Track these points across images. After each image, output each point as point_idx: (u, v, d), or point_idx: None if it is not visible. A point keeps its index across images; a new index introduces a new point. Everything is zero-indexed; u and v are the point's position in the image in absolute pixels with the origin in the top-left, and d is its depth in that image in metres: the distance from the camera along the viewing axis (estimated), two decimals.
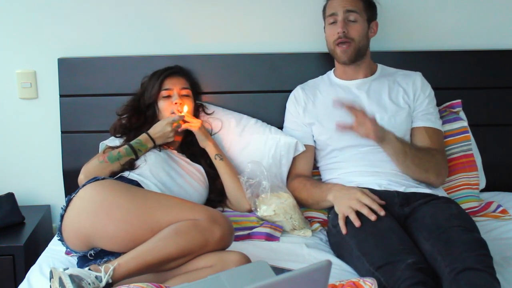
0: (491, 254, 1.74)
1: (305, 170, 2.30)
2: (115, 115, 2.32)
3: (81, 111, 2.47)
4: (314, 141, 2.32)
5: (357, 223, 1.91)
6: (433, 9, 2.57)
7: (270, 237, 2.08)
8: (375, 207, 1.93)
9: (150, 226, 1.75)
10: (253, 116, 2.44)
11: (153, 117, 2.28)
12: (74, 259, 1.94)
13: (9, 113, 2.54)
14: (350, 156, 2.17)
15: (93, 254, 1.82)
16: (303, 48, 2.53)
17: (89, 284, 1.62)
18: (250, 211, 2.21)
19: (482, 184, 2.42)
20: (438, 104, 2.36)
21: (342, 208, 1.98)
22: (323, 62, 2.47)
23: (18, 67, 2.51)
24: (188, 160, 2.25)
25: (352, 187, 2.06)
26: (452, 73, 2.53)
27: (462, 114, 2.45)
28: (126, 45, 2.52)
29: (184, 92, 2.29)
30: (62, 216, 1.85)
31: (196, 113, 2.37)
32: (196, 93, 2.42)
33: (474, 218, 2.08)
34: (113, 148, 2.17)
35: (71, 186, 2.23)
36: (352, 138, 2.07)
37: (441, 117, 2.36)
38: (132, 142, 2.14)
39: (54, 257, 1.98)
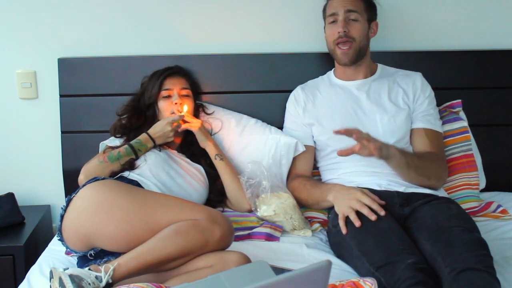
0: (491, 254, 1.74)
1: (305, 171, 2.30)
2: (115, 115, 2.32)
3: (81, 111, 2.47)
4: (314, 141, 2.32)
5: (357, 223, 1.91)
6: (433, 9, 2.57)
7: (270, 237, 2.08)
8: (375, 207, 1.93)
9: (150, 226, 1.75)
10: (253, 116, 2.44)
11: (153, 117, 2.28)
12: (74, 259, 1.94)
13: (9, 113, 2.54)
14: (350, 157, 2.16)
15: (93, 254, 1.82)
16: (303, 48, 2.53)
17: (89, 284, 1.62)
18: (250, 211, 2.21)
19: (482, 184, 2.42)
20: (438, 104, 2.35)
21: (342, 208, 1.98)
22: (323, 62, 2.47)
23: (18, 67, 2.51)
24: (188, 160, 2.25)
25: (352, 187, 2.06)
26: (452, 73, 2.53)
27: (462, 114, 2.45)
28: (126, 45, 2.52)
29: (184, 92, 2.29)
30: (62, 216, 1.85)
31: (196, 113, 2.37)
32: (196, 93, 2.42)
33: (474, 218, 2.08)
34: (113, 148, 2.17)
35: (71, 186, 2.23)
36: (350, 138, 2.06)
37: (441, 117, 2.36)
38: (132, 142, 2.14)
39: (54, 257, 1.99)
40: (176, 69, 2.37)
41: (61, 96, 2.47)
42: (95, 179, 1.88)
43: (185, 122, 2.23)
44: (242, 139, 2.35)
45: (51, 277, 1.65)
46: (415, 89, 2.27)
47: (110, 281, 1.67)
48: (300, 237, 2.11)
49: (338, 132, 1.92)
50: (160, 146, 2.20)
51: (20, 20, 2.48)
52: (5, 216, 2.33)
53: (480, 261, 1.68)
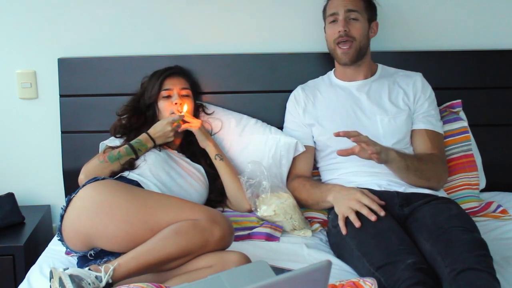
0: (491, 254, 1.74)
1: (305, 171, 2.30)
2: (115, 115, 2.32)
3: (81, 111, 2.47)
4: (314, 141, 2.32)
5: (357, 223, 1.91)
6: (433, 9, 2.57)
7: (270, 237, 2.08)
8: (375, 207, 1.93)
9: (150, 226, 1.75)
10: (253, 116, 2.44)
11: (153, 117, 2.28)
12: (74, 259, 1.94)
13: (9, 113, 2.54)
14: (350, 157, 2.16)
15: (93, 254, 1.82)
16: (303, 48, 2.53)
17: (89, 284, 1.62)
18: (250, 211, 2.21)
19: (482, 184, 2.42)
20: (438, 104, 2.35)
21: (342, 209, 1.98)
22: (323, 62, 2.47)
23: (18, 67, 2.51)
24: (188, 160, 2.25)
25: (352, 187, 2.06)
26: (452, 73, 2.53)
27: (462, 114, 2.45)
28: (126, 45, 2.52)
29: (184, 92, 2.29)
30: (62, 216, 1.85)
31: (196, 113, 2.37)
32: (196, 93, 2.42)
33: (474, 218, 2.08)
34: (113, 148, 2.17)
35: (71, 186, 2.23)
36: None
37: (441, 117, 2.36)
38: (132, 142, 2.15)
39: (54, 257, 1.99)
40: (176, 69, 2.37)
41: (61, 96, 2.47)
42: (95, 179, 1.88)
43: (185, 122, 2.23)
44: (242, 139, 2.35)
45: (51, 277, 1.65)
46: (415, 90, 2.27)
47: (110, 281, 1.67)
48: (300, 237, 2.11)
49: (337, 135, 1.92)
50: (160, 146, 2.20)
51: (20, 20, 2.48)
52: (5, 216, 2.33)
53: (480, 261, 1.68)
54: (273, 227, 2.12)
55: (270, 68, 2.51)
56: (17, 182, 2.56)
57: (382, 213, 1.92)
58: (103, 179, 1.90)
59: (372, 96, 2.27)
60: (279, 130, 2.36)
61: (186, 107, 2.25)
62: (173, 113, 2.23)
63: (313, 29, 2.48)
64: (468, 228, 1.84)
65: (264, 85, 2.52)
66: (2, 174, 2.55)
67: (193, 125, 2.24)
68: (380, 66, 2.37)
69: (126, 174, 2.07)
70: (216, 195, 2.25)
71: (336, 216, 2.01)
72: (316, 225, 2.19)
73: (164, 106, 2.26)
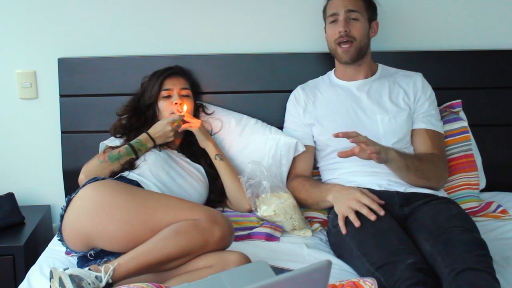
0: (491, 254, 1.74)
1: (305, 171, 2.30)
2: (115, 115, 2.32)
3: (81, 111, 2.47)
4: (314, 141, 2.32)
5: (356, 223, 1.91)
6: (433, 9, 2.57)
7: (270, 237, 2.08)
8: (375, 207, 1.93)
9: (150, 226, 1.75)
10: (253, 116, 2.44)
11: (153, 117, 2.28)
12: (74, 259, 1.94)
13: (9, 113, 2.54)
14: (350, 157, 2.17)
15: (93, 254, 1.82)
16: (303, 48, 2.53)
17: (89, 284, 1.62)
18: (250, 211, 2.21)
19: (482, 184, 2.42)
20: (438, 104, 2.35)
21: (342, 209, 1.98)
22: (323, 62, 2.47)
23: (18, 67, 2.51)
24: (188, 160, 2.25)
25: (352, 187, 2.06)
26: (452, 73, 2.53)
27: (462, 114, 2.45)
28: (126, 45, 2.52)
29: (184, 92, 2.29)
30: (62, 216, 1.85)
31: (196, 113, 2.37)
32: (196, 93, 2.42)
33: (474, 218, 2.08)
34: (113, 148, 2.17)
35: (71, 186, 2.24)
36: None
37: (441, 117, 2.36)
38: (132, 142, 2.15)
39: (54, 257, 1.99)
40: (176, 69, 2.37)
41: (61, 96, 2.47)
42: (95, 179, 1.88)
43: (184, 122, 2.23)
44: (242, 139, 2.35)
45: (51, 277, 1.65)
46: (415, 90, 2.27)
47: (110, 281, 1.67)
48: (300, 237, 2.11)
49: (337, 135, 1.92)
50: (160, 146, 2.20)
51: (20, 20, 2.48)
52: (5, 216, 2.33)
53: (480, 261, 1.68)
54: (273, 227, 2.12)
55: (270, 68, 2.51)
56: (17, 182, 2.56)
57: (381, 212, 1.92)
58: (103, 179, 1.90)
59: (372, 96, 2.27)
60: (279, 130, 2.36)
61: (186, 107, 2.24)
62: (173, 113, 2.23)
63: (313, 29, 2.48)
64: (468, 228, 1.84)
65: (264, 85, 2.52)
66: (2, 174, 2.56)
67: (193, 125, 2.24)
68: (380, 66, 2.37)
69: (126, 174, 2.07)
70: (216, 195, 2.25)
71: (336, 215, 2.01)
72: (316, 225, 2.19)
73: (164, 106, 2.26)
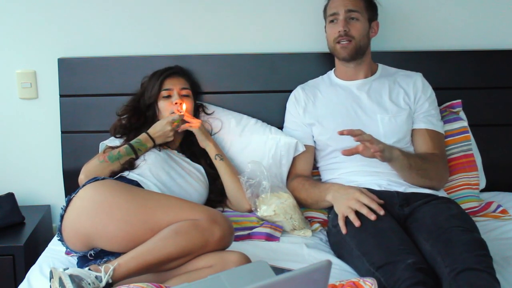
0: (491, 254, 1.74)
1: (305, 170, 2.30)
2: (115, 115, 2.32)
3: (81, 111, 2.47)
4: (314, 141, 2.32)
5: (356, 223, 1.91)
6: (433, 9, 2.57)
7: (270, 237, 2.08)
8: (374, 206, 1.93)
9: (150, 226, 1.75)
10: (253, 116, 2.44)
11: (153, 117, 2.28)
12: (74, 259, 1.94)
13: (9, 113, 2.54)
14: (350, 156, 2.17)
15: (93, 254, 1.82)
16: (303, 48, 2.53)
17: (89, 284, 1.62)
18: (250, 211, 2.21)
19: (482, 184, 2.42)
20: (438, 104, 2.35)
21: (342, 209, 1.98)
22: (323, 62, 2.47)
23: (18, 67, 2.51)
24: (188, 160, 2.25)
25: (351, 186, 2.06)
26: (452, 73, 2.53)
27: (462, 114, 2.45)
28: (126, 45, 2.52)
29: (184, 92, 2.29)
30: (62, 216, 1.85)
31: (196, 113, 2.37)
32: (196, 93, 2.42)
33: (474, 218, 2.08)
34: (113, 148, 2.17)
35: (71, 186, 2.23)
36: (351, 138, 2.05)
37: (441, 117, 2.36)
38: (132, 142, 2.15)
39: (54, 257, 1.98)
40: (176, 69, 2.37)
41: (61, 96, 2.47)
42: (95, 179, 1.88)
43: (184, 122, 2.23)
44: (242, 139, 2.35)
45: (51, 277, 1.65)
46: (416, 90, 2.27)
47: (110, 281, 1.67)
48: (300, 237, 2.11)
49: (341, 133, 1.92)
50: (160, 146, 2.20)
51: (20, 20, 2.48)
52: (5, 216, 2.33)
53: (480, 261, 1.68)
54: (273, 227, 2.12)
55: (270, 68, 2.51)
56: (17, 182, 2.56)
57: (381, 212, 1.92)
58: (103, 179, 1.90)
59: (372, 95, 2.27)
60: (279, 130, 2.36)
61: (185, 106, 2.24)
62: (173, 113, 2.23)
63: (313, 29, 2.48)
64: (468, 228, 1.84)
65: (264, 85, 2.51)
66: (2, 174, 2.55)
67: (193, 125, 2.24)
68: (380, 65, 2.37)
69: (126, 174, 2.07)
70: (216, 195, 2.25)
71: (336, 215, 2.01)
72: (316, 225, 2.19)
73: (164, 106, 2.26)
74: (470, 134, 2.41)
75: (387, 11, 2.45)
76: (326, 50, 2.35)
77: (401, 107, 2.24)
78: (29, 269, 1.95)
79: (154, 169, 2.10)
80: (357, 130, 1.94)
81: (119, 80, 2.47)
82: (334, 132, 2.19)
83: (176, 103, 2.24)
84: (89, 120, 2.47)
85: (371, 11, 2.29)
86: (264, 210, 2.14)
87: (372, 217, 1.91)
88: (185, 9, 2.52)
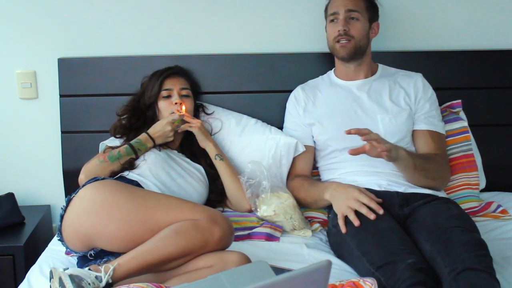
0: (491, 254, 1.74)
1: (305, 170, 2.30)
2: (115, 115, 2.32)
3: (81, 111, 2.47)
4: (314, 141, 2.31)
5: (356, 222, 1.91)
6: (433, 9, 2.57)
7: (270, 237, 2.08)
8: (374, 205, 1.93)
9: (150, 226, 1.75)
10: (253, 116, 2.44)
11: (153, 118, 2.28)
12: (74, 259, 1.94)
13: (9, 113, 2.54)
14: (350, 157, 2.16)
15: (93, 254, 1.82)
16: (303, 48, 2.53)
17: (89, 284, 1.62)
18: (250, 211, 2.21)
19: (482, 184, 2.42)
20: (438, 104, 2.35)
21: (341, 208, 1.98)
22: (323, 62, 2.47)
23: (18, 67, 2.51)
24: (188, 160, 2.25)
25: (349, 184, 2.06)
26: (452, 73, 2.53)
27: (462, 114, 2.45)
28: (126, 45, 2.52)
29: (184, 92, 2.29)
30: (62, 216, 1.85)
31: (196, 113, 2.37)
32: (196, 93, 2.42)
33: (474, 218, 2.08)
34: (113, 148, 2.17)
35: (71, 186, 2.23)
36: (352, 138, 2.05)
37: (442, 117, 2.36)
38: (132, 142, 2.15)
39: (54, 257, 1.98)
40: (176, 69, 2.37)
41: (61, 96, 2.47)
42: (95, 179, 1.88)
43: (184, 122, 2.23)
44: (242, 139, 2.35)
45: (51, 277, 1.65)
46: (416, 90, 2.27)
47: (110, 281, 1.67)
48: (300, 237, 2.11)
49: (349, 132, 1.91)
50: (160, 146, 2.20)
51: (20, 20, 2.48)
52: (5, 216, 2.33)
53: (480, 261, 1.68)
54: (273, 227, 2.12)
55: (270, 68, 2.51)
56: (17, 182, 2.56)
57: (381, 211, 1.92)
58: (103, 179, 1.90)
59: (372, 95, 2.27)
60: (279, 130, 2.36)
61: (184, 107, 2.24)
62: (173, 113, 2.23)
63: (313, 29, 2.48)
64: (468, 228, 1.84)
65: (264, 85, 2.51)
66: (2, 174, 2.55)
67: (193, 125, 2.24)
68: (380, 66, 2.37)
69: (126, 174, 2.07)
70: (216, 195, 2.25)
71: (336, 215, 2.01)
72: (316, 225, 2.19)
73: (164, 106, 2.26)
74: (470, 134, 2.41)
75: (387, 11, 2.44)
76: (326, 50, 2.35)
77: (401, 107, 2.24)
78: (29, 269, 1.95)
79: (154, 169, 2.10)
80: (365, 129, 1.93)
81: (119, 80, 2.47)
82: (334, 132, 2.20)
83: (176, 103, 2.24)
84: (89, 120, 2.47)
85: (371, 11, 2.29)
86: (264, 210, 2.14)
87: (372, 216, 1.91)
88: (185, 9, 2.52)
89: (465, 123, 2.41)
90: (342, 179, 2.17)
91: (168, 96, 2.27)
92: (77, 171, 2.09)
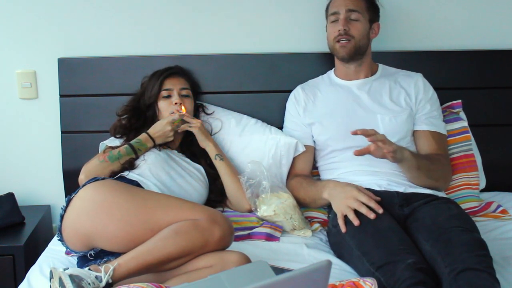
0: (491, 254, 1.74)
1: (304, 170, 2.30)
2: (115, 115, 2.32)
3: (81, 111, 2.47)
4: (314, 141, 2.31)
5: (356, 222, 1.91)
6: (433, 9, 2.57)
7: (270, 237, 2.08)
8: (373, 205, 1.93)
9: (150, 226, 1.75)
10: (253, 116, 2.44)
11: (153, 118, 2.28)
12: (74, 259, 1.94)
13: (9, 113, 2.54)
14: (350, 156, 2.16)
15: (93, 254, 1.82)
16: (303, 48, 2.53)
17: (89, 284, 1.62)
18: (250, 211, 2.21)
19: (482, 184, 2.42)
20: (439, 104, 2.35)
21: (341, 208, 1.98)
22: (323, 62, 2.47)
23: (18, 67, 2.51)
24: (188, 160, 2.25)
25: (347, 183, 2.05)
26: (452, 73, 2.53)
27: (462, 114, 2.45)
28: (126, 45, 2.52)
29: (184, 92, 2.29)
30: (62, 216, 1.85)
31: (196, 113, 2.37)
32: (196, 93, 2.42)
33: (474, 218, 2.08)
34: (113, 148, 2.17)
35: (71, 186, 2.23)
36: (352, 138, 2.05)
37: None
38: (132, 142, 2.15)
39: (54, 257, 1.99)
40: (176, 69, 2.37)
41: (61, 96, 2.47)
42: (95, 179, 1.88)
43: (184, 122, 2.23)
44: (242, 139, 2.35)
45: (51, 277, 1.65)
46: (417, 91, 2.27)
47: (110, 281, 1.67)
48: (300, 237, 2.11)
49: (355, 133, 1.91)
50: (160, 146, 2.20)
51: (20, 20, 2.48)
52: (5, 216, 2.33)
53: (480, 261, 1.68)
54: (273, 227, 2.12)
55: (270, 68, 2.51)
56: (17, 182, 2.56)
57: (380, 210, 1.92)
58: (103, 179, 1.90)
59: (372, 95, 2.27)
60: (279, 130, 2.37)
61: (183, 108, 2.24)
62: (173, 113, 2.23)
63: (313, 29, 2.48)
64: (468, 228, 1.84)
65: (264, 85, 2.51)
66: (2, 174, 2.55)
67: (193, 125, 2.24)
68: (380, 66, 2.37)
69: (126, 174, 2.07)
70: (216, 195, 2.25)
71: (336, 215, 2.01)
72: (316, 225, 2.19)
73: (164, 106, 2.26)
74: (470, 134, 2.41)
75: (388, 11, 2.44)
76: (326, 50, 2.35)
77: (402, 107, 2.24)
78: (29, 269, 1.95)
79: (154, 169, 2.10)
80: (371, 130, 1.93)
81: (119, 80, 2.47)
82: (334, 131, 2.20)
83: (176, 103, 2.24)
84: (89, 120, 2.47)
85: (372, 12, 2.29)
86: (264, 210, 2.14)
87: (372, 215, 1.91)
88: (185, 9, 2.52)
89: (465, 123, 2.41)
90: (342, 179, 2.16)
91: (168, 96, 2.27)
92: (77, 171, 2.09)
